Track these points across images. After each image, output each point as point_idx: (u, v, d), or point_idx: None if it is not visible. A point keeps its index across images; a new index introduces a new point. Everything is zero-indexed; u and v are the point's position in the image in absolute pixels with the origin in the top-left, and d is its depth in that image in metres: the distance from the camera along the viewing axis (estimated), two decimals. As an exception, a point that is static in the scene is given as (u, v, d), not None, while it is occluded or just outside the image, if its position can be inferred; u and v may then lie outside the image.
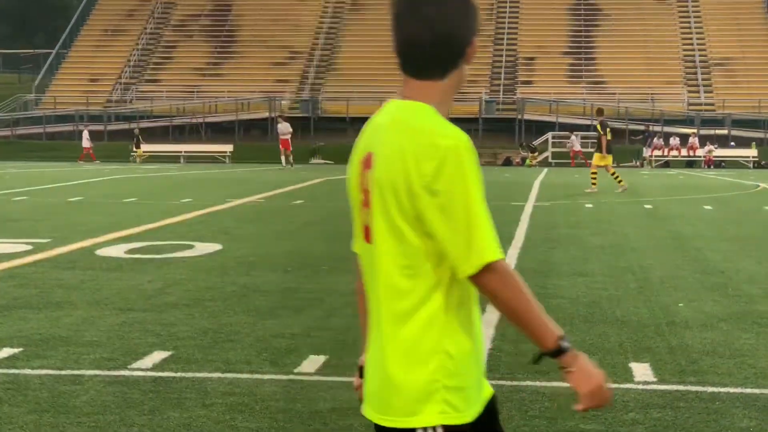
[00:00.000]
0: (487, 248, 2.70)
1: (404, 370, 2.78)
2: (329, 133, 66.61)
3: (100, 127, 66.65)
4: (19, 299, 9.99)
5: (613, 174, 29.67)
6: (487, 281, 2.73)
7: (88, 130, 59.18)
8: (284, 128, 49.98)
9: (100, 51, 77.15)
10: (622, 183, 29.05)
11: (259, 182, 32.66)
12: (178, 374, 7.13)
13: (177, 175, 39.64)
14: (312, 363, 7.49)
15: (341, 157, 61.36)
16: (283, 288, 10.84)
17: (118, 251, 13.77)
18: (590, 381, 2.78)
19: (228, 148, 59.89)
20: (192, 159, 57.77)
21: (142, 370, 7.24)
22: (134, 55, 76.48)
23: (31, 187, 28.52)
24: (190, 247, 14.33)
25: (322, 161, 59.10)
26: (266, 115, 68.23)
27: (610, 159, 29.46)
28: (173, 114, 68.12)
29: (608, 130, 29.22)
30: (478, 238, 2.71)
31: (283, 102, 68.99)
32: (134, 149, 58.17)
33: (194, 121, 66.66)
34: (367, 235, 2.91)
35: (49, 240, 14.94)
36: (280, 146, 49.93)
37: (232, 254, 13.61)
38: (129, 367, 7.31)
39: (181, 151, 59.09)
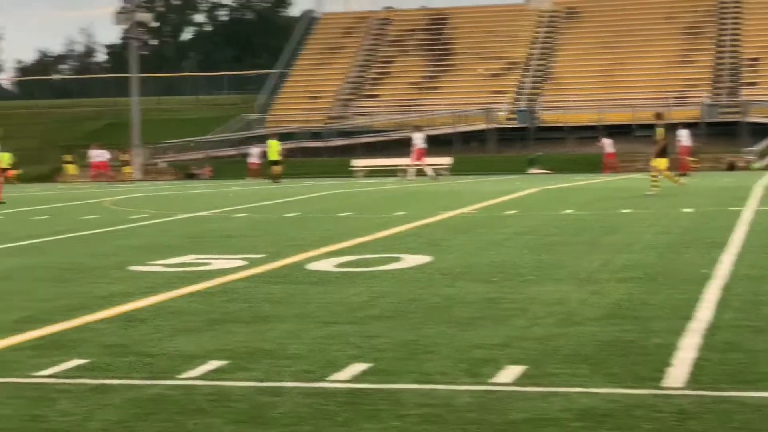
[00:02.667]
0: None
1: None
2: (547, 143, 66.26)
3: (321, 144, 68.05)
4: (228, 313, 10.28)
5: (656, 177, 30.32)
6: None
7: (257, 148, 61.09)
8: (419, 138, 50.04)
9: (320, 69, 78.85)
10: (656, 187, 29.52)
11: (474, 193, 32.72)
12: (375, 386, 7.19)
13: (393, 188, 40.09)
14: (510, 373, 7.44)
15: (560, 166, 61.08)
16: (486, 298, 10.83)
17: (327, 265, 14.03)
18: None
19: (446, 160, 60.22)
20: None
21: (339, 382, 7.33)
22: (352, 71, 77.79)
23: (252, 204, 29.33)
24: (399, 259, 14.47)
25: (540, 171, 58.77)
26: (484, 126, 68.33)
27: (664, 162, 30.49)
28: (392, 128, 68.93)
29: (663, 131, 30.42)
30: None
31: (500, 113, 68.93)
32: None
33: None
34: None
35: (263, 255, 15.34)
36: (417, 158, 49.81)
37: (439, 266, 13.68)
38: (327, 379, 7.41)
39: (399, 165, 59.80)
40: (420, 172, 51.56)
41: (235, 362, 8.02)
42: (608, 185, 38.37)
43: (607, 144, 58.91)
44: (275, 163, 52.58)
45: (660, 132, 30.53)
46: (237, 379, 7.48)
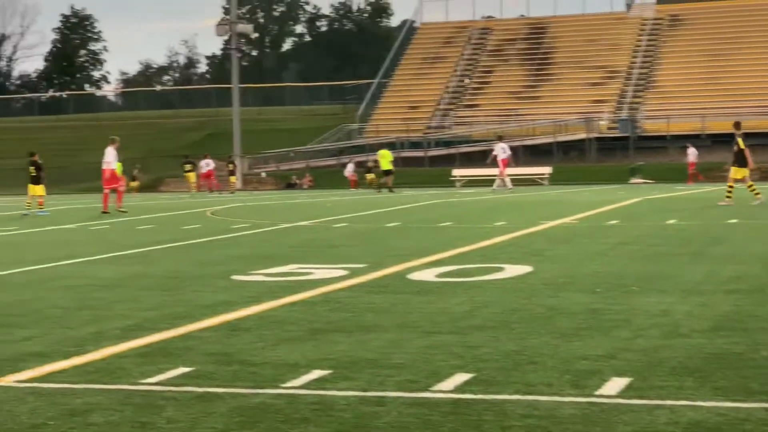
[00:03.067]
0: None
1: None
2: (649, 153, 65.54)
3: (420, 154, 68.10)
4: (331, 323, 10.32)
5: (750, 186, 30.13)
6: None
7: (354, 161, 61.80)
8: (501, 149, 49.76)
9: (419, 79, 78.98)
10: (758, 195, 29.22)
11: (575, 203, 32.48)
12: (478, 396, 7.16)
13: (493, 198, 39.96)
14: (615, 385, 7.35)
15: (662, 175, 60.37)
16: (590, 309, 10.72)
17: (429, 275, 14.02)
18: None
19: (546, 170, 59.88)
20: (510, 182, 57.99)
21: (443, 392, 7.31)
22: (452, 81, 77.78)
23: (352, 214, 29.45)
24: (501, 269, 14.41)
25: (642, 181, 58.15)
26: (584, 136, 67.83)
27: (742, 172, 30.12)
28: (491, 138, 68.80)
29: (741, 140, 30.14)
30: None
31: (600, 122, 68.40)
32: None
33: (512, 144, 67.02)
34: None
35: (364, 265, 15.38)
36: (503, 167, 49.52)
37: (541, 276, 13.59)
38: (431, 389, 7.39)
39: (497, 175, 59.50)
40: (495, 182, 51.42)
41: (338, 371, 8.04)
42: (711, 195, 37.82)
43: (692, 154, 58.05)
44: (388, 172, 52.72)
45: (739, 141, 30.34)
46: (340, 388, 7.50)
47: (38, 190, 35.04)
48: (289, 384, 7.65)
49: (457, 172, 61.86)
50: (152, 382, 7.77)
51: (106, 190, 34.64)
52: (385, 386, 7.53)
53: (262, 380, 7.79)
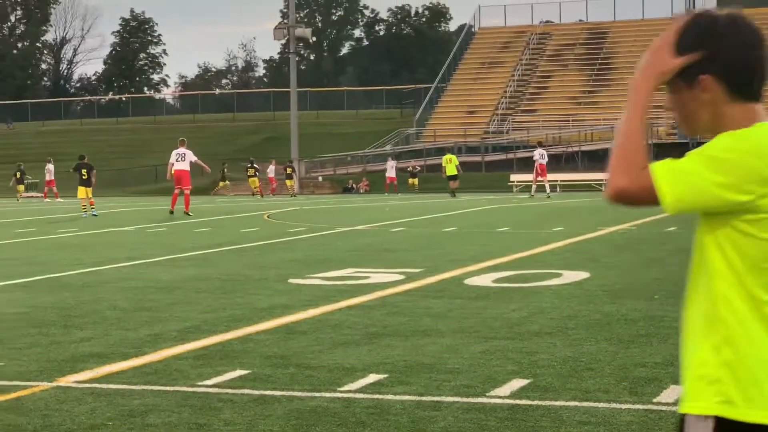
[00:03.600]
0: None
1: None
2: (708, 158, 64.87)
3: (478, 158, 68.01)
4: (388, 327, 10.33)
5: None
6: None
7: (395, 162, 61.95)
8: (539, 154, 49.50)
9: (477, 83, 78.85)
10: None
11: (632, 209, 32.20)
12: (535, 402, 7.13)
13: (551, 204, 39.81)
14: (672, 393, 7.29)
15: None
16: (648, 316, 10.65)
17: (485, 280, 13.98)
18: None
19: (604, 176, 59.61)
20: (567, 188, 57.83)
21: (499, 397, 7.29)
22: (510, 86, 77.61)
23: (409, 218, 29.46)
24: (558, 275, 14.34)
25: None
26: (643, 141, 67.33)
27: None
28: (549, 143, 68.49)
29: None
30: None
31: (660, 128, 67.91)
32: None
33: (570, 150, 66.75)
34: None
35: (421, 270, 15.38)
36: (541, 174, 49.14)
37: (599, 282, 13.51)
38: (487, 394, 7.38)
39: (557, 180, 59.30)
40: (535, 189, 51.29)
41: (395, 376, 8.05)
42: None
43: None
44: (453, 177, 52.77)
45: None
46: (396, 392, 7.50)
47: (89, 192, 35.63)
48: (345, 387, 7.66)
49: (515, 177, 61.68)
50: (209, 384, 7.82)
51: (177, 191, 35.04)
52: (441, 391, 7.53)
53: (319, 383, 7.82)
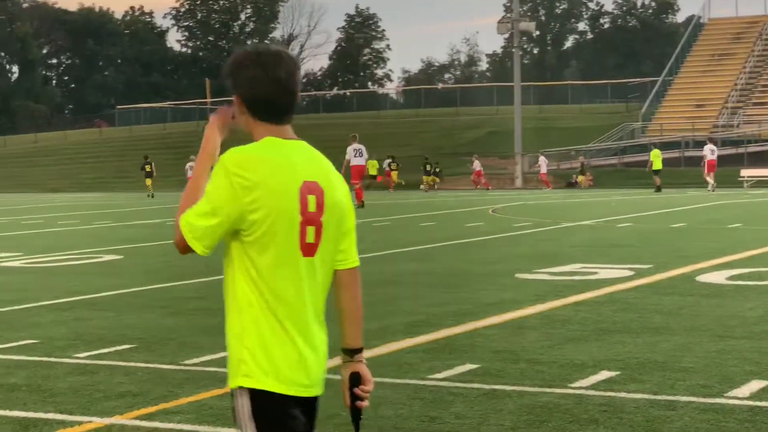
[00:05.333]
0: None
1: None
2: None
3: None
4: (618, 323, 10.15)
5: None
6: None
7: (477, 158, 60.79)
8: (709, 150, 47.51)
9: (706, 76, 76.81)
10: None
11: None
12: (776, 405, 6.87)
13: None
14: None
15: None
16: None
17: (718, 277, 13.58)
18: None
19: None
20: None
21: (738, 398, 7.05)
22: (741, 78, 75.31)
23: (636, 214, 28.93)
24: (795, 273, 13.82)
25: None
26: None
27: None
28: (782, 137, 66.22)
29: None
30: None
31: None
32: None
33: (804, 144, 64.27)
34: (310, 251, 3.54)
35: (650, 266, 15.05)
36: (708, 170, 47.35)
37: (840, 281, 12.95)
38: (725, 395, 7.15)
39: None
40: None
41: (627, 373, 7.89)
42: None
43: None
44: (657, 172, 51.83)
45: None
46: (629, 390, 7.35)
47: None
48: (576, 384, 7.56)
49: (746, 173, 59.79)
50: (439, 378, 7.83)
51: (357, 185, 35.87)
52: (675, 390, 7.34)
53: (550, 379, 7.73)
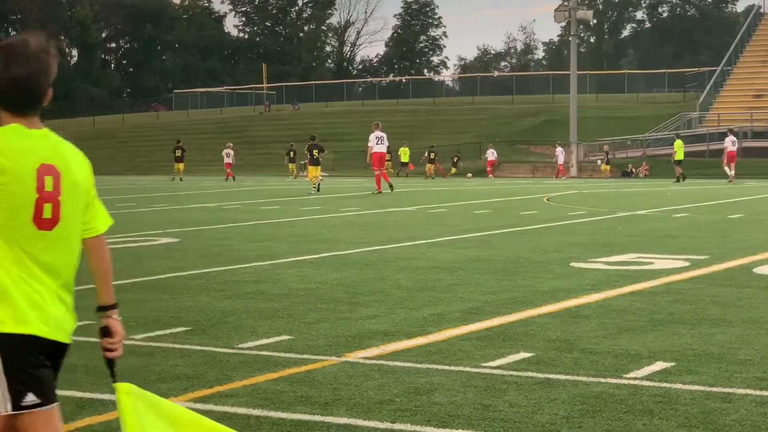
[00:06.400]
0: None
1: None
2: None
3: (765, 144, 65.60)
4: (674, 314, 10.08)
5: None
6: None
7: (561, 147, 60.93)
8: (729, 141, 46.84)
9: (765, 66, 75.99)
10: None
11: None
12: (834, 399, 6.80)
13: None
14: None
15: None
16: None
17: (776, 269, 13.46)
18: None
19: None
20: None
21: (795, 392, 6.99)
22: (801, 68, 74.45)
23: (692, 204, 28.70)
24: None
25: None
26: None
27: None
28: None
29: None
30: None
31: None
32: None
33: None
34: (50, 224, 3.95)
35: (706, 257, 14.94)
36: (727, 161, 46.93)
37: None
38: (782, 388, 7.09)
39: None
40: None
41: (682, 364, 7.84)
42: None
43: None
44: (679, 162, 51.48)
45: None
46: (684, 382, 7.31)
47: (318, 170, 38.91)
48: (631, 374, 7.52)
49: (804, 164, 59.16)
50: (493, 366, 7.82)
51: (377, 172, 36.40)
52: (732, 382, 7.29)
53: (604, 369, 7.71)
